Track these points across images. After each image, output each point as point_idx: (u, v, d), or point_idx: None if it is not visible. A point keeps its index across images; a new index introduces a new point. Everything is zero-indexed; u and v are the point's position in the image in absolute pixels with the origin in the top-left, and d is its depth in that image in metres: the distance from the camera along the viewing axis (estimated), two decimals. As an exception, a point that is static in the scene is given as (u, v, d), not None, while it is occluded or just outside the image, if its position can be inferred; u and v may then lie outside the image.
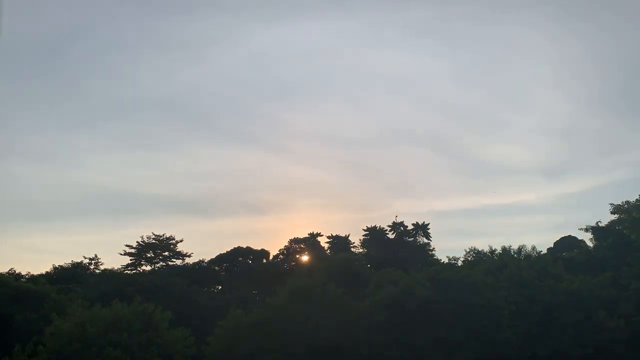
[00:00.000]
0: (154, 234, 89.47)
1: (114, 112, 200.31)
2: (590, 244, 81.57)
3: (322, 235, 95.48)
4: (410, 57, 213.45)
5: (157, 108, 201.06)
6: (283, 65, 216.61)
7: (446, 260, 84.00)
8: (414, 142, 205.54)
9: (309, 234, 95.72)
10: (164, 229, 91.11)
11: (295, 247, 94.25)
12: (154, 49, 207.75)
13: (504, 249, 77.10)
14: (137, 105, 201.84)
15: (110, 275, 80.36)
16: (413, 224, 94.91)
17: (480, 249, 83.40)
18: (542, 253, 74.08)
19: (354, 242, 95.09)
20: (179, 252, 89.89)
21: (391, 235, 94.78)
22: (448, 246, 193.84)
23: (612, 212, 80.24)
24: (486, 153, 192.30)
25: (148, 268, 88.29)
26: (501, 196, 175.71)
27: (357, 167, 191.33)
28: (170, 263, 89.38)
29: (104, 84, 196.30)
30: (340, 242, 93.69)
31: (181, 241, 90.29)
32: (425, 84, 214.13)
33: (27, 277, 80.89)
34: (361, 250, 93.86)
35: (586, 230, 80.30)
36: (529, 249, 74.67)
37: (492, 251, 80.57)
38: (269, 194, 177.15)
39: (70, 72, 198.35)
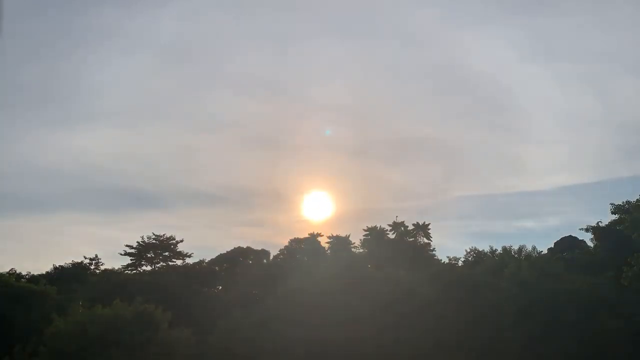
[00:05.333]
0: (154, 234, 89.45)
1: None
2: (590, 244, 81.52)
3: (322, 235, 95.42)
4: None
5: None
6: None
7: (447, 261, 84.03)
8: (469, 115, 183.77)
9: (309, 234, 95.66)
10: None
11: (296, 247, 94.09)
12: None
13: (504, 249, 77.17)
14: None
15: (110, 275, 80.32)
16: (414, 224, 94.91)
17: (480, 249, 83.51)
18: (542, 253, 74.10)
19: (354, 242, 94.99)
20: (179, 252, 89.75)
21: (392, 236, 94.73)
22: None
23: (612, 212, 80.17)
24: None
25: (148, 268, 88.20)
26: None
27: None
28: (170, 263, 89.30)
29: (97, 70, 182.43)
30: (340, 242, 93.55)
31: (181, 241, 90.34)
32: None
33: (27, 277, 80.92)
34: (361, 250, 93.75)
35: (586, 230, 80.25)
36: (530, 249, 74.78)
37: (493, 251, 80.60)
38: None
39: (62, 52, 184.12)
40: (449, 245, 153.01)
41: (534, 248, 74.27)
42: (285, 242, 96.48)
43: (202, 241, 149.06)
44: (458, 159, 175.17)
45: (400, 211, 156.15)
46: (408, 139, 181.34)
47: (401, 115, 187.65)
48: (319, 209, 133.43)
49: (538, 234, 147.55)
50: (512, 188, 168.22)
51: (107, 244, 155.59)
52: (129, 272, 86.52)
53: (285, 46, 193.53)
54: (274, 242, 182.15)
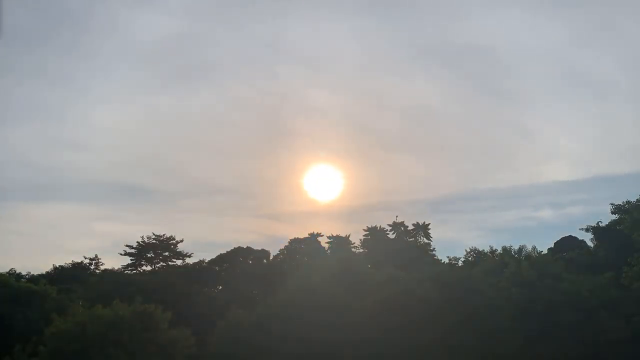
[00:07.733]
0: (154, 234, 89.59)
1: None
2: (590, 244, 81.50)
3: (322, 235, 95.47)
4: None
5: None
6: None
7: (446, 260, 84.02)
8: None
9: (309, 234, 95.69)
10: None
11: (296, 247, 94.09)
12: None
13: (504, 248, 77.07)
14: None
15: (110, 275, 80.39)
16: (413, 224, 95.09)
17: (480, 249, 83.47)
18: (542, 253, 74.02)
19: (354, 242, 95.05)
20: (179, 252, 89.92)
21: (391, 235, 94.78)
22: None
23: (612, 212, 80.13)
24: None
25: (148, 268, 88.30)
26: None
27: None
28: (170, 263, 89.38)
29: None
30: (340, 242, 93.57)
31: (181, 241, 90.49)
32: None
33: (27, 277, 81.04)
34: (361, 250, 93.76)
35: (587, 230, 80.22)
36: (530, 249, 74.69)
37: (493, 251, 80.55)
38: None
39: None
40: (467, 239, 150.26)
41: (534, 248, 74.14)
42: (290, 235, 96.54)
43: (204, 236, 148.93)
44: (475, 147, 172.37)
45: (415, 203, 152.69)
46: (422, 123, 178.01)
47: (415, 97, 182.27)
48: (327, 197, 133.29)
49: (563, 228, 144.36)
50: (536, 178, 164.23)
51: (106, 238, 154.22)
52: (129, 272, 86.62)
53: (290, 23, 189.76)
54: (277, 235, 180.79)
